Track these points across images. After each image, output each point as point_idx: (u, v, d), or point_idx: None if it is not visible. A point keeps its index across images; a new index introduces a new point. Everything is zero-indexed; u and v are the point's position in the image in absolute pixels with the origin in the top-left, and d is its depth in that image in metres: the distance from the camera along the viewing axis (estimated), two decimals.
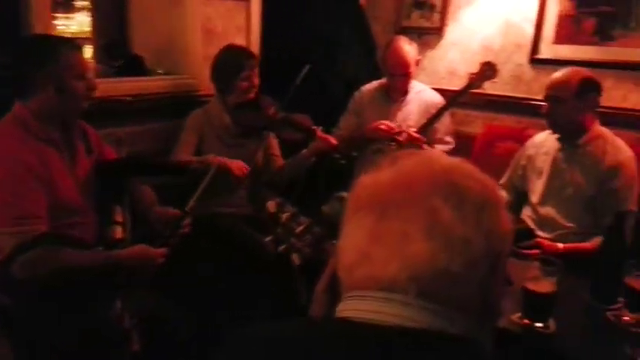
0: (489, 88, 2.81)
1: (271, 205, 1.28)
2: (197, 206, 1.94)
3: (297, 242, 1.23)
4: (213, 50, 2.78)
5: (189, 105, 2.65)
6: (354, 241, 0.69)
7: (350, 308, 0.68)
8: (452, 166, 0.71)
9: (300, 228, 1.23)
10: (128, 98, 2.49)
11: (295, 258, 1.25)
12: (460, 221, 0.66)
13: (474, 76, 2.71)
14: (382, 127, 2.77)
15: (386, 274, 0.65)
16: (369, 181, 0.73)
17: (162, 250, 1.79)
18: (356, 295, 0.68)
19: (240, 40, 2.98)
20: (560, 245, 2.15)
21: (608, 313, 1.56)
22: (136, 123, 2.53)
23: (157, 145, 2.57)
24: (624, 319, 1.52)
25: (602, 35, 2.67)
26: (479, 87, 2.71)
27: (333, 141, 2.55)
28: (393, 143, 2.77)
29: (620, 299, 1.58)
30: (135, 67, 2.76)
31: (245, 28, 3.00)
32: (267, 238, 1.29)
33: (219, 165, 2.19)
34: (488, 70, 2.69)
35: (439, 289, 0.64)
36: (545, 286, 1.46)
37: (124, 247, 1.76)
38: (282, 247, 1.25)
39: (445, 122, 2.90)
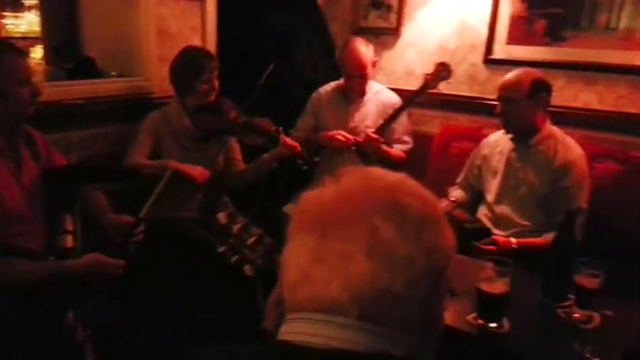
0: (445, 87, 2.85)
1: (222, 217, 1.27)
2: (151, 212, 1.90)
3: (249, 253, 1.23)
4: (168, 51, 2.72)
5: (143, 107, 2.59)
6: (297, 260, 0.69)
7: (290, 331, 0.67)
8: (394, 184, 0.71)
9: (252, 240, 1.24)
10: (79, 101, 2.42)
11: (247, 269, 1.25)
12: (401, 240, 0.65)
13: (429, 76, 2.75)
14: (339, 137, 2.78)
15: (327, 295, 0.65)
16: (313, 198, 0.72)
17: (120, 262, 1.75)
18: (296, 317, 0.67)
19: (196, 41, 2.93)
20: (514, 241, 2.21)
21: (559, 311, 1.60)
22: (88, 127, 2.45)
23: (110, 149, 2.50)
24: (574, 316, 1.56)
25: (554, 36, 2.72)
26: (434, 87, 2.74)
27: (298, 147, 2.53)
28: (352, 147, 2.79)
29: (571, 296, 1.62)
30: (86, 69, 2.69)
31: (200, 28, 2.94)
32: (221, 249, 1.28)
33: (175, 170, 2.14)
34: (443, 70, 2.72)
35: (381, 309, 0.64)
36: (498, 286, 1.48)
37: (75, 257, 1.70)
38: (234, 259, 1.25)
39: (403, 122, 2.92)
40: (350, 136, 2.78)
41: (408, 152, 2.93)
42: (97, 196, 2.02)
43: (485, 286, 1.49)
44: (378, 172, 0.74)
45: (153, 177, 2.04)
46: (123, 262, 1.75)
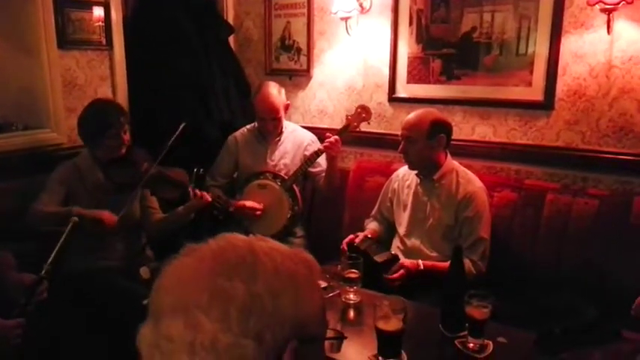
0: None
1: (144, 272, 1.29)
2: (55, 269, 1.86)
3: None
4: (77, 101, 2.72)
5: (52, 160, 2.56)
6: None
7: None
8: (219, 266, 0.70)
9: None
10: None
11: None
12: (225, 331, 0.66)
13: (351, 118, 2.84)
14: (247, 205, 2.82)
15: None
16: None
17: (18, 321, 1.70)
18: None
19: (105, 90, 2.93)
20: (421, 263, 2.31)
21: (457, 341, 1.69)
22: None
23: (18, 205, 2.41)
24: (469, 346, 1.66)
25: (449, 75, 2.89)
26: (355, 128, 2.83)
27: (208, 198, 2.55)
28: (277, 180, 2.85)
29: (467, 325, 1.72)
30: None
31: (110, 77, 2.95)
32: (145, 301, 1.29)
33: (77, 222, 2.09)
34: (363, 112, 2.82)
35: None
36: (393, 324, 1.56)
37: None
38: None
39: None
40: (258, 205, 2.83)
41: None
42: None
43: (381, 324, 1.57)
44: (220, 247, 0.74)
45: (54, 232, 1.99)
46: (23, 320, 1.70)
